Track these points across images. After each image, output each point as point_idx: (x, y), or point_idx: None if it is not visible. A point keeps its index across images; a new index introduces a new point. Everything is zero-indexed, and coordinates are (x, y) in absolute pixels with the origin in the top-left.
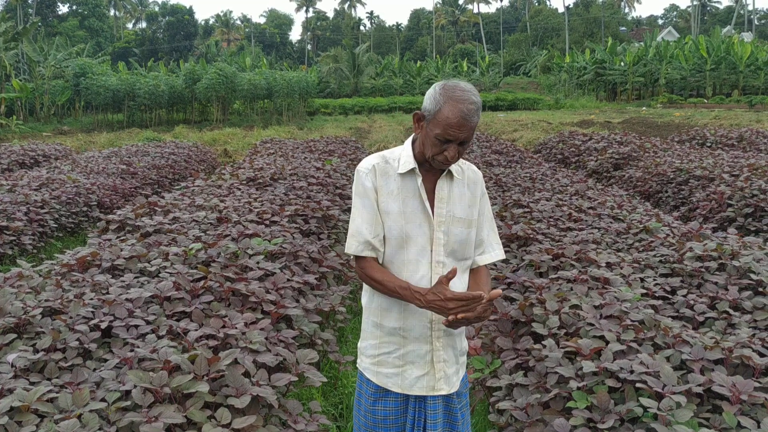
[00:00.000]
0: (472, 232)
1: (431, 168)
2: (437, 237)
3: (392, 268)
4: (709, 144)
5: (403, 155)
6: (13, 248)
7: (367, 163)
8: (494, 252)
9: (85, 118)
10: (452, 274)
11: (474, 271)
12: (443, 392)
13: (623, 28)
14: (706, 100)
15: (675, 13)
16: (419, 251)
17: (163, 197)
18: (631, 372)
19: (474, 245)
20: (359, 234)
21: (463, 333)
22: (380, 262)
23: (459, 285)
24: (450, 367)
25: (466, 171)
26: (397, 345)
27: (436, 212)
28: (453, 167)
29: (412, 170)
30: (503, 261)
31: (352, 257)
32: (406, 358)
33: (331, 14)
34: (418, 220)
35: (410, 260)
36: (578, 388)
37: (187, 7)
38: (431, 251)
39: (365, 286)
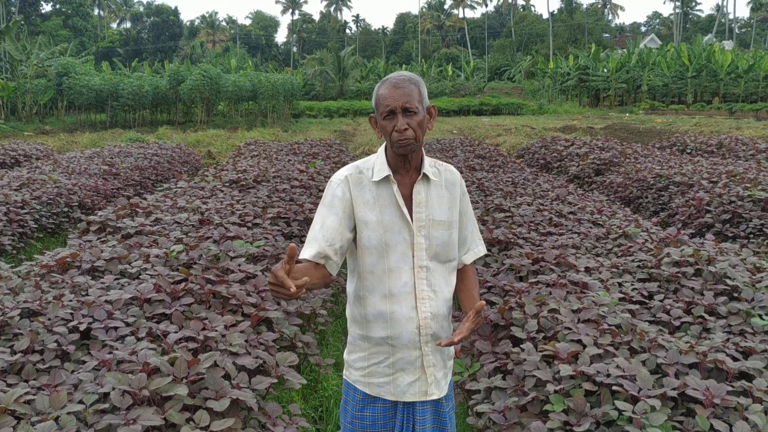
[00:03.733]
0: (454, 234)
1: (407, 173)
2: (418, 242)
3: (374, 278)
4: (689, 150)
5: (377, 163)
6: None
7: (339, 174)
8: (477, 248)
9: (67, 118)
10: (292, 251)
11: (461, 273)
12: (434, 396)
13: (607, 35)
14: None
15: (657, 20)
16: (400, 258)
17: (145, 198)
18: (608, 376)
19: (458, 245)
20: (314, 241)
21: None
22: (333, 273)
23: (446, 288)
24: (439, 371)
25: (443, 172)
26: (386, 354)
27: (415, 217)
28: (429, 169)
29: (387, 177)
30: (484, 265)
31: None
32: (396, 366)
33: (317, 17)
34: (397, 227)
35: (392, 268)
36: (555, 392)
37: (173, 8)
38: (413, 257)
39: (350, 298)
